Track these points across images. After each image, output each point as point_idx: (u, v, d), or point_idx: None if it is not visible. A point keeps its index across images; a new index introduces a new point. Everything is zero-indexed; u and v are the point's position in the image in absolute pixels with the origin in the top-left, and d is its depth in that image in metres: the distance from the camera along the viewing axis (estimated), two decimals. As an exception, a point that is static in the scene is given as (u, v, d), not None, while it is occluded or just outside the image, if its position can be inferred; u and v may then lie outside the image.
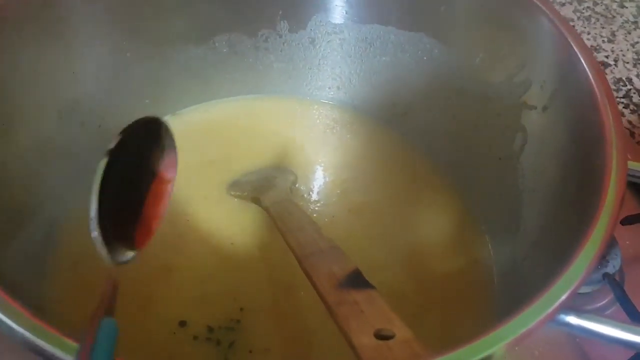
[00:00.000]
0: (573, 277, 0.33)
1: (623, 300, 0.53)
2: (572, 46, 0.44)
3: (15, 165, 0.48)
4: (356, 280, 0.38)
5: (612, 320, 0.35)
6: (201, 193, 0.57)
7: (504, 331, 0.31)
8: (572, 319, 0.34)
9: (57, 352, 0.29)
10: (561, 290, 0.33)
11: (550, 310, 0.32)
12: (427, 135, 0.61)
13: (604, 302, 0.56)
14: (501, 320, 0.32)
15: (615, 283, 0.54)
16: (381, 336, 0.33)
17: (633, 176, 0.42)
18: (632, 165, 0.41)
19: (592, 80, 0.42)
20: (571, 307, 0.34)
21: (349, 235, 0.55)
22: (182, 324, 0.48)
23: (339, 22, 0.60)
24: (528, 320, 0.31)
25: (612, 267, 0.56)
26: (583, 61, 0.43)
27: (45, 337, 0.29)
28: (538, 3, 0.47)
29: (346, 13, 0.60)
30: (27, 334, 0.29)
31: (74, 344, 0.29)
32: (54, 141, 0.53)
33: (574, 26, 0.85)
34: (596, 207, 0.36)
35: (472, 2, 0.52)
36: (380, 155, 0.63)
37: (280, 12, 0.60)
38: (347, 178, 0.61)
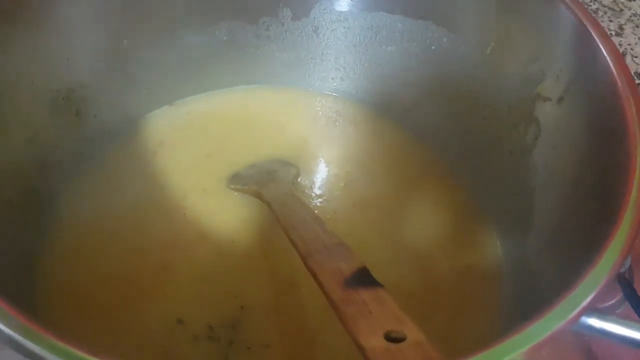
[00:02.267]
0: (598, 277, 0.32)
1: (633, 299, 0.51)
2: (591, 34, 0.42)
3: (6, 156, 0.46)
4: (364, 279, 0.37)
5: (635, 322, 0.33)
6: (200, 186, 0.55)
7: (528, 334, 0.29)
8: (595, 322, 0.32)
9: (48, 355, 0.27)
10: (586, 291, 0.31)
11: (575, 312, 0.30)
12: (435, 128, 0.59)
13: (612, 301, 0.54)
14: (512, 325, 0.30)
15: (626, 282, 0.53)
16: (391, 338, 0.31)
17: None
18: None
19: (614, 70, 0.40)
20: (594, 308, 0.32)
21: (353, 231, 0.54)
22: (180, 322, 0.46)
23: (344, 10, 0.58)
24: (552, 323, 0.30)
25: (622, 265, 0.54)
26: (603, 49, 0.41)
27: (35, 339, 0.27)
28: (554, -11, 0.45)
29: (351, 0, 0.58)
30: (16, 336, 0.27)
31: (65, 347, 0.27)
32: (47, 131, 0.51)
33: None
34: (619, 204, 0.34)
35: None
36: (386, 148, 0.61)
37: (283, -1, 0.58)
38: (351, 171, 0.59)
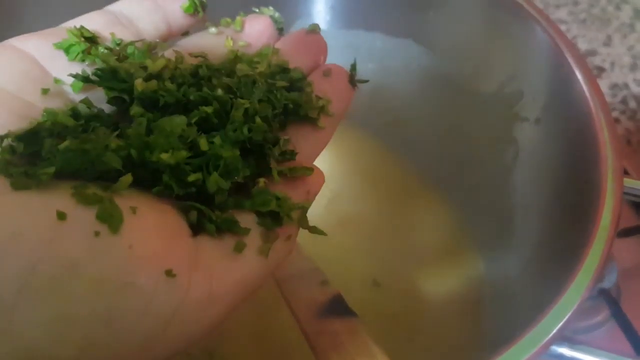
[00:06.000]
0: (566, 307, 0.31)
1: (619, 317, 0.51)
2: (565, 57, 0.42)
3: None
4: (337, 307, 0.37)
5: (605, 351, 0.33)
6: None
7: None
8: (565, 351, 0.32)
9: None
10: (553, 321, 0.31)
11: (542, 343, 0.30)
12: (416, 146, 0.59)
13: (598, 318, 0.54)
14: (491, 350, 0.30)
15: (611, 299, 0.53)
16: (361, 370, 0.31)
17: (629, 194, 0.40)
18: (628, 182, 0.39)
19: (587, 93, 0.40)
20: (564, 337, 0.32)
21: (336, 250, 0.53)
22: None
23: (323, 28, 0.58)
24: (519, 354, 0.29)
25: (607, 281, 0.54)
26: (577, 72, 0.41)
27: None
28: (531, 11, 0.45)
29: (330, 19, 0.58)
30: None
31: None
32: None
33: (568, 29, 0.84)
34: (590, 232, 0.34)
35: (462, 7, 0.51)
36: (368, 166, 0.61)
37: (262, 18, 0.58)
38: (334, 189, 0.59)
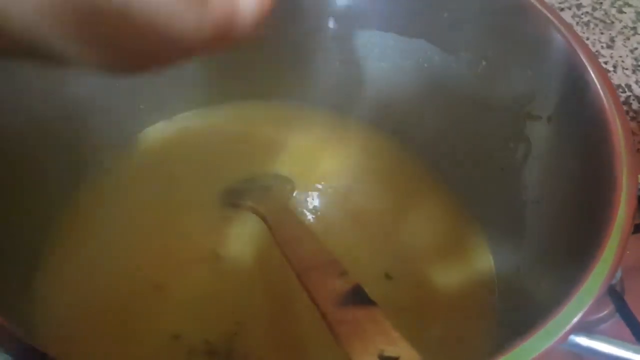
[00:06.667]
0: (585, 298, 0.32)
1: (624, 312, 0.52)
2: (579, 56, 0.43)
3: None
4: (358, 297, 0.37)
5: (623, 341, 0.34)
6: (194, 202, 0.56)
7: (515, 355, 0.29)
8: (583, 340, 0.33)
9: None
10: (573, 312, 0.32)
11: (562, 333, 0.31)
12: (428, 143, 0.60)
13: (603, 313, 0.55)
14: (505, 339, 0.31)
15: (617, 294, 0.54)
16: (385, 357, 0.32)
17: (637, 190, 0.41)
18: (638, 179, 0.40)
19: (601, 91, 0.41)
20: (581, 327, 0.33)
21: (349, 246, 0.54)
22: (176, 337, 0.46)
23: (338, 28, 0.59)
24: (540, 344, 0.30)
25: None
26: (590, 71, 0.42)
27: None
28: (544, 10, 0.46)
29: (345, 19, 0.58)
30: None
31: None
32: (43, 148, 0.51)
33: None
34: (606, 225, 0.35)
35: (475, 8, 0.51)
36: (379, 163, 0.61)
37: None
38: (346, 186, 0.59)
